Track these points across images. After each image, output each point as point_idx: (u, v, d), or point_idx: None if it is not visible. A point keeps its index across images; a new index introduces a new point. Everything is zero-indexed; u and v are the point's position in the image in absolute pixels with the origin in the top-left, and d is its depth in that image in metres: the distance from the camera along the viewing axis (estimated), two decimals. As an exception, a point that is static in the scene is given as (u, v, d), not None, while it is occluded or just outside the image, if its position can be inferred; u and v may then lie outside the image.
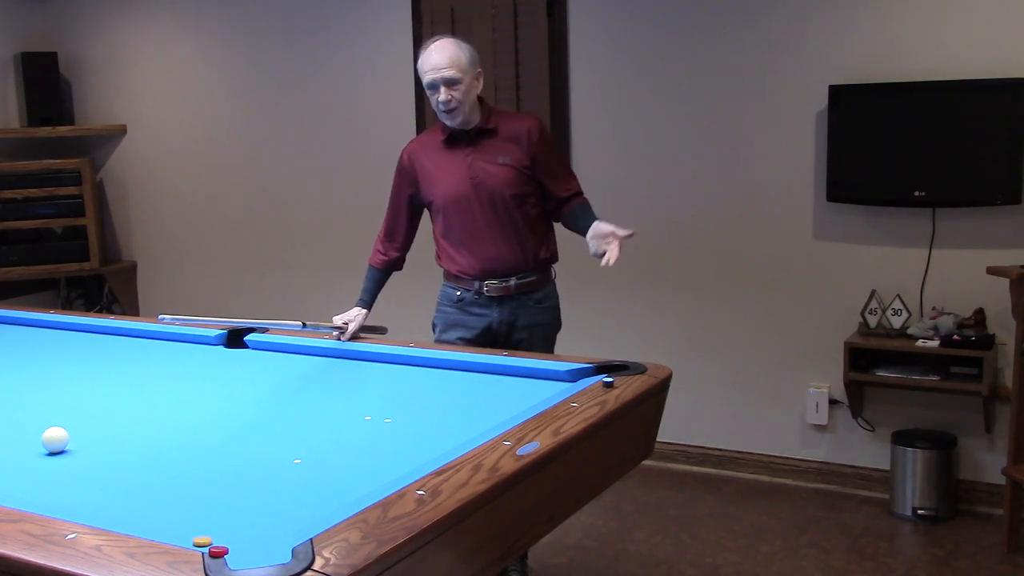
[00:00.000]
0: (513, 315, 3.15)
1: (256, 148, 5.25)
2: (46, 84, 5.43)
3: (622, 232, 2.88)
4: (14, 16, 5.56)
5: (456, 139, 3.11)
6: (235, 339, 3.09)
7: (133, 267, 5.71)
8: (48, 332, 3.38)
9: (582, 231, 3.02)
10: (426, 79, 3.02)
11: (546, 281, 3.23)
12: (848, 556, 3.51)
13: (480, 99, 3.11)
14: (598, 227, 2.93)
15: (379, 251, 3.28)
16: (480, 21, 4.54)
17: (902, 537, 3.71)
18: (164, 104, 5.47)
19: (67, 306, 5.68)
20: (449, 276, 3.22)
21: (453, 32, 4.58)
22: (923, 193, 3.71)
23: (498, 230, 3.09)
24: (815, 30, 3.94)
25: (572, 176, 3.23)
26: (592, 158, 4.42)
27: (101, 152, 5.68)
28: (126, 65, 5.53)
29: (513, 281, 3.12)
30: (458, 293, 3.18)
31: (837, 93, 3.83)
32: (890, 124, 3.76)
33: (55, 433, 2.07)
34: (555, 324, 3.28)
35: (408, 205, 3.22)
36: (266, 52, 5.13)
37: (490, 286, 3.12)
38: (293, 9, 5.02)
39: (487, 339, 3.16)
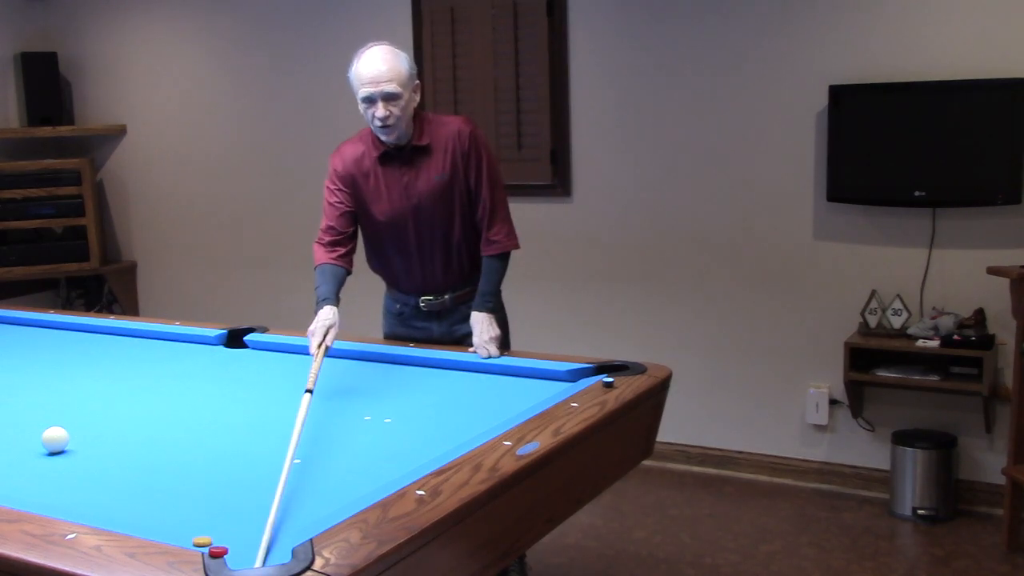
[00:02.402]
0: (454, 326, 3.07)
1: (256, 148, 5.25)
2: (46, 84, 5.43)
3: (482, 350, 2.82)
4: (14, 16, 5.55)
5: (390, 157, 2.92)
6: (235, 339, 3.10)
7: (133, 267, 5.71)
8: (48, 332, 3.38)
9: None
10: (362, 92, 2.78)
11: None
12: (848, 556, 3.51)
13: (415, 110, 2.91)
14: (473, 323, 2.91)
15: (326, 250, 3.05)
16: (480, 21, 4.54)
17: (902, 537, 3.71)
18: (164, 104, 5.47)
19: (67, 306, 5.68)
20: (389, 287, 3.16)
21: (453, 32, 4.60)
22: (923, 193, 3.70)
23: (435, 249, 2.98)
24: (815, 30, 3.94)
25: (491, 195, 2.95)
26: (592, 158, 4.42)
27: (101, 152, 5.68)
28: (126, 65, 5.53)
29: (448, 296, 3.03)
30: (398, 306, 3.12)
31: (837, 93, 3.83)
32: (890, 124, 3.75)
33: (55, 433, 2.08)
34: (501, 329, 3.08)
35: (344, 212, 2.99)
36: (266, 52, 5.13)
37: (426, 302, 3.04)
38: (293, 9, 5.02)
39: None
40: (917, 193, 3.71)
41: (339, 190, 2.97)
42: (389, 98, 2.76)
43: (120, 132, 5.59)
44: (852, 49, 3.87)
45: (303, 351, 2.95)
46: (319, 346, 2.63)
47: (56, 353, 3.11)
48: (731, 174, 4.17)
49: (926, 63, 3.74)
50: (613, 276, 4.46)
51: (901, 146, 3.74)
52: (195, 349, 3.07)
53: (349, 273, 2.95)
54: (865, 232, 3.96)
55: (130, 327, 3.34)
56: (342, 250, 2.95)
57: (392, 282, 3.12)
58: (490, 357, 2.79)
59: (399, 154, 2.91)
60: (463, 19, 4.57)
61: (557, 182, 4.47)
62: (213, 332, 3.12)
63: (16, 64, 5.48)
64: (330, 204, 2.98)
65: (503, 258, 2.99)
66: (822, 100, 3.90)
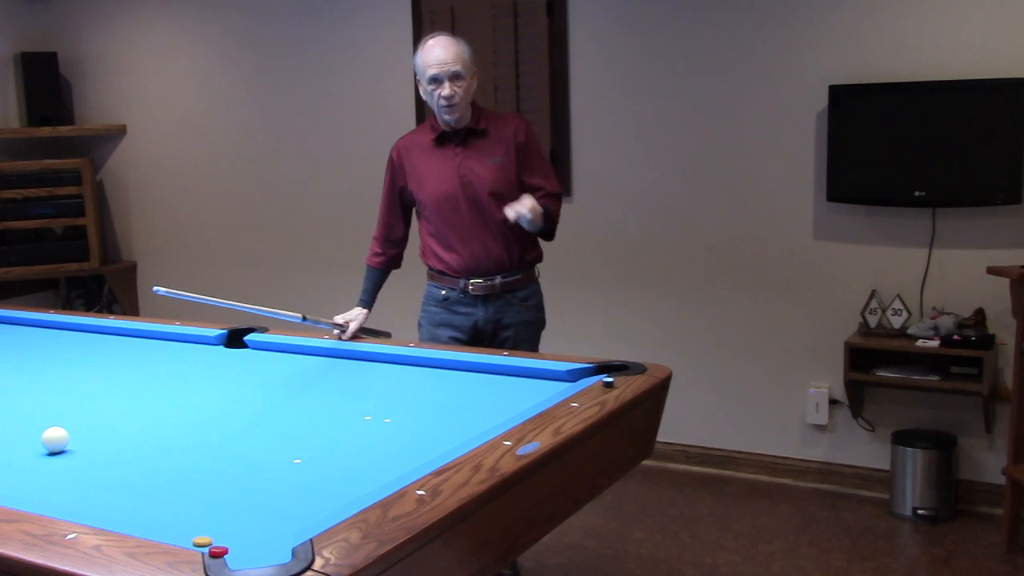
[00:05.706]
0: (499, 313, 3.17)
1: (256, 148, 5.25)
2: (46, 84, 5.43)
3: (517, 210, 2.96)
4: (14, 16, 5.56)
5: (446, 138, 3.13)
6: (235, 339, 3.10)
7: (133, 267, 5.71)
8: (48, 332, 3.38)
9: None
10: (430, 73, 3.03)
11: (530, 279, 3.25)
12: (848, 556, 3.51)
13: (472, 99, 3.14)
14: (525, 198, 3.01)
15: (376, 251, 3.29)
16: (480, 21, 4.54)
17: (902, 537, 3.71)
18: (164, 104, 5.47)
19: (67, 306, 5.68)
20: (434, 275, 3.24)
21: (453, 32, 4.59)
22: (923, 193, 3.71)
23: (485, 229, 3.11)
24: (815, 30, 3.94)
25: (548, 178, 3.21)
26: (592, 158, 4.42)
27: (101, 152, 5.68)
28: (126, 65, 5.53)
29: (498, 280, 3.15)
30: (443, 292, 3.20)
31: (837, 93, 3.83)
32: (890, 124, 3.76)
33: (55, 433, 2.07)
34: (540, 322, 3.30)
35: (401, 202, 3.25)
36: (266, 52, 5.13)
37: (475, 284, 3.14)
38: (293, 9, 5.02)
39: (474, 338, 3.18)
40: (917, 193, 3.71)
41: (390, 184, 3.23)
42: (455, 77, 3.02)
43: (120, 132, 5.59)
44: (852, 49, 3.87)
45: (303, 351, 2.97)
46: (337, 326, 3.00)
47: (56, 353, 3.11)
48: (731, 174, 4.17)
49: (926, 63, 3.74)
50: (613, 276, 4.45)
51: (901, 146, 3.74)
52: (195, 349, 3.07)
53: (396, 266, 3.30)
54: (865, 232, 3.96)
55: (130, 327, 3.34)
56: (390, 250, 3.27)
57: (443, 266, 3.19)
58: (518, 216, 2.95)
59: (455, 136, 3.11)
60: (463, 19, 4.57)
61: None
62: (213, 332, 3.12)
63: (16, 64, 5.48)
64: (382, 201, 3.27)
65: (554, 208, 3.16)
66: (822, 100, 3.90)
